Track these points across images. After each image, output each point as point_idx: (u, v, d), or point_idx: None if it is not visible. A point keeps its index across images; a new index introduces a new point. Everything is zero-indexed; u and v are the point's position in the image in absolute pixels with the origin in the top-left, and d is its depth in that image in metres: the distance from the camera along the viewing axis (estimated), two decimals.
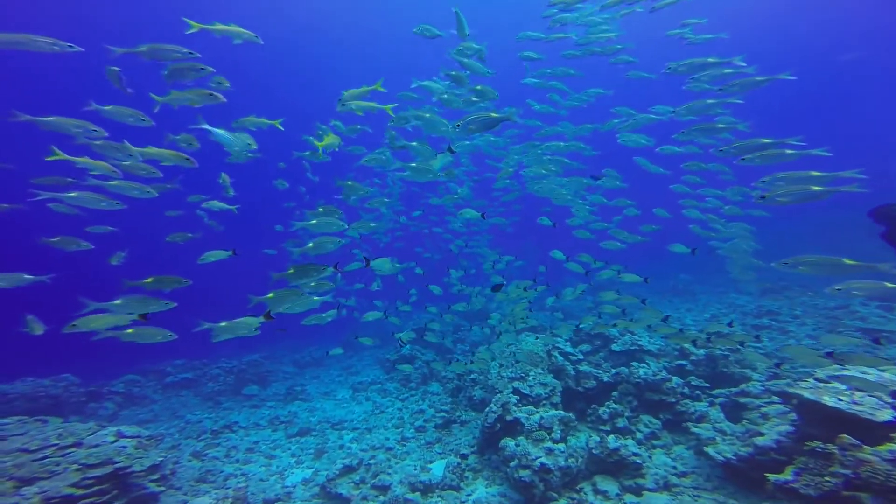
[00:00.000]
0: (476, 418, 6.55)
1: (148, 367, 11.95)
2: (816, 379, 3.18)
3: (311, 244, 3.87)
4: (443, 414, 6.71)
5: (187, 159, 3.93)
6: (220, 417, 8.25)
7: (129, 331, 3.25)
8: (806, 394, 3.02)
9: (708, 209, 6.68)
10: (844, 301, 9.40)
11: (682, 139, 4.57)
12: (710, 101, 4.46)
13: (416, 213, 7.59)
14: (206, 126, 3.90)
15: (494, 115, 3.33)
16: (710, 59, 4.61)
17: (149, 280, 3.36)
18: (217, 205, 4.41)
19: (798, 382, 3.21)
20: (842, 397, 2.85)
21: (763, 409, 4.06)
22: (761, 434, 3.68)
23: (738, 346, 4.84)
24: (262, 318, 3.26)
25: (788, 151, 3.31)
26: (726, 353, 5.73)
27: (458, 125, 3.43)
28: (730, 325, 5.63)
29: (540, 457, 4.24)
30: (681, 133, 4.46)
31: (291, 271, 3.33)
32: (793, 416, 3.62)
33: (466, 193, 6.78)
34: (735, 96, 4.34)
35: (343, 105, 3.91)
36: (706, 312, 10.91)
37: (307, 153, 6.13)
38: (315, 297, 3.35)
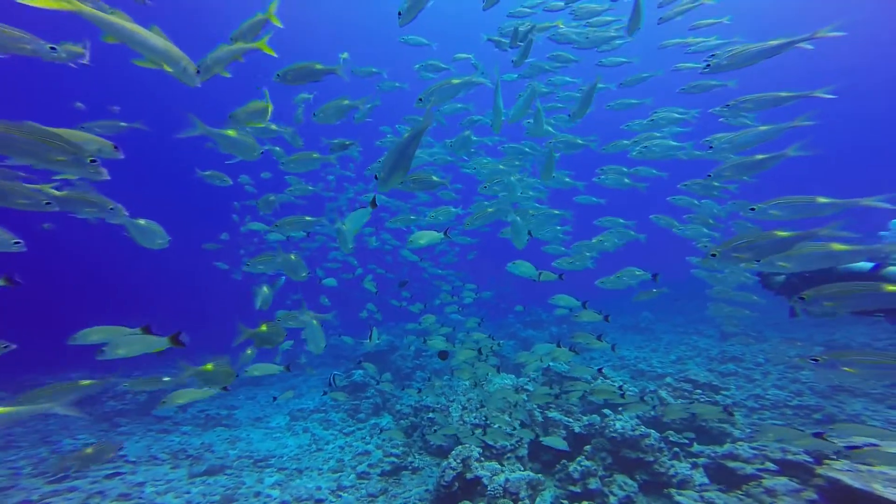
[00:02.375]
0: (430, 464, 5.58)
1: (32, 379, 9.88)
2: (850, 459, 2.64)
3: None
4: (392, 459, 5.67)
5: (115, 148, 2.72)
6: None
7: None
8: (846, 479, 2.45)
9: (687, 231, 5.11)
10: (805, 351, 9.49)
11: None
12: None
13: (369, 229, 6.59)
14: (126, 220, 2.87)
15: (318, 66, 3.00)
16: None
17: None
18: None
19: (829, 463, 2.66)
20: None
21: (765, 483, 3.47)
22: None
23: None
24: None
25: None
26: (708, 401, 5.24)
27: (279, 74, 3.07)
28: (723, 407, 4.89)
29: None
30: (726, 109, 3.35)
31: (264, 328, 2.98)
32: (810, 493, 3.06)
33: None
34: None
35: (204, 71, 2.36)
36: (671, 354, 10.69)
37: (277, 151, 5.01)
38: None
